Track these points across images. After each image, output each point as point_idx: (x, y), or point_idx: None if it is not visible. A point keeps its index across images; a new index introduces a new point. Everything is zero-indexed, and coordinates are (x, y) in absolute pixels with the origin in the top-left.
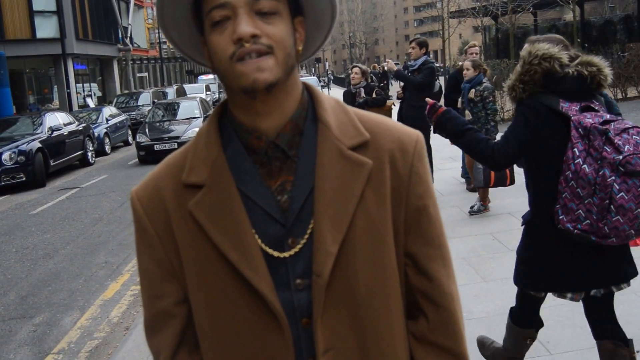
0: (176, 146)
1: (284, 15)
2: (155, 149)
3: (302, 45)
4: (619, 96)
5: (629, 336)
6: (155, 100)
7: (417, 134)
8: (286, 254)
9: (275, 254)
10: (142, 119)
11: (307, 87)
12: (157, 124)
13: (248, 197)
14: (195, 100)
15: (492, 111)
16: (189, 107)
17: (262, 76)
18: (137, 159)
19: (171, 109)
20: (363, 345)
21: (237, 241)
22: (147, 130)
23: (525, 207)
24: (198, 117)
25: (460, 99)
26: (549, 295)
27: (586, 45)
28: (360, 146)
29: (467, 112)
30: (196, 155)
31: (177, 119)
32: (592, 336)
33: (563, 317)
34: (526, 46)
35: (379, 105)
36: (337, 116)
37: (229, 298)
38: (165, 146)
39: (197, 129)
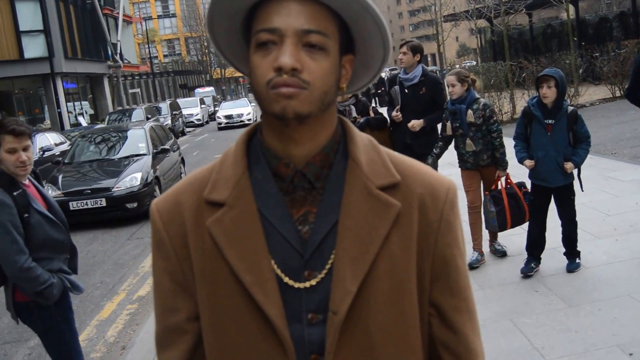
0: (104, 204)
1: (331, 53)
2: (71, 208)
3: (346, 82)
4: (617, 94)
5: (623, 339)
6: (149, 117)
7: (449, 182)
8: (301, 285)
9: (291, 282)
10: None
11: (341, 122)
12: (79, 168)
13: (269, 221)
14: (142, 128)
15: (498, 133)
16: (131, 140)
17: (293, 106)
18: None
19: (105, 142)
20: None
21: (253, 264)
22: (60, 178)
23: None
24: (144, 155)
25: (446, 124)
26: (543, 299)
27: (583, 43)
28: (390, 187)
29: (468, 141)
30: (221, 173)
31: (111, 157)
32: (585, 341)
33: (558, 322)
34: None
35: (382, 126)
36: (369, 154)
37: (238, 321)
38: (86, 204)
39: (138, 176)
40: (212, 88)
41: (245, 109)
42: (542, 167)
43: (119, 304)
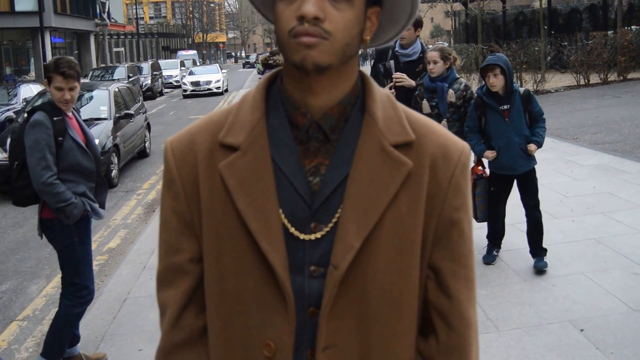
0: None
1: (355, 3)
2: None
3: (370, 35)
4: (582, 82)
5: (575, 315)
6: (131, 75)
7: (464, 144)
8: (306, 237)
9: (296, 233)
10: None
11: (362, 76)
12: None
13: (280, 169)
14: (107, 90)
15: None
16: (93, 102)
17: (313, 56)
18: None
19: None
20: (365, 349)
21: (261, 211)
22: (8, 141)
23: None
24: (104, 120)
25: (422, 102)
26: (500, 273)
27: (552, 32)
28: (403, 145)
29: (444, 122)
30: (237, 117)
31: None
32: (539, 315)
33: (513, 295)
34: None
35: None
36: (386, 110)
37: (242, 267)
38: None
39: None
40: (195, 52)
41: (214, 75)
42: (505, 156)
43: None
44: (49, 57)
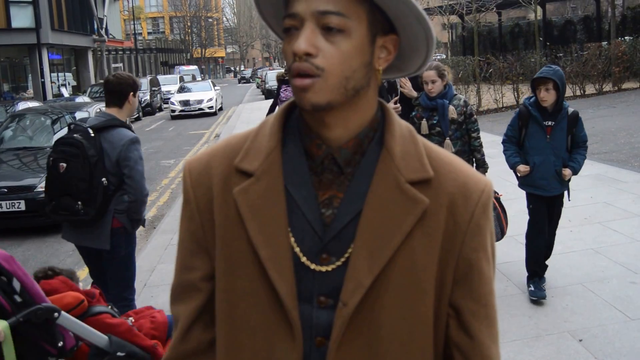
0: (23, 207)
1: (354, 34)
2: None
3: (385, 64)
4: (577, 93)
5: (574, 325)
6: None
7: (485, 182)
8: (317, 268)
9: (307, 263)
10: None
11: (383, 109)
12: (1, 157)
13: (294, 199)
14: (86, 112)
15: (478, 132)
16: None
17: (308, 98)
18: None
19: (40, 126)
20: None
21: (271, 239)
22: None
23: None
24: None
25: (421, 122)
26: (498, 285)
27: (548, 44)
28: (421, 182)
29: (448, 142)
30: (255, 142)
31: (43, 145)
32: (538, 326)
33: (512, 307)
34: None
35: None
36: (405, 146)
37: (251, 293)
38: (0, 206)
39: None
40: (195, 67)
41: (206, 93)
42: (538, 174)
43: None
44: (47, 74)
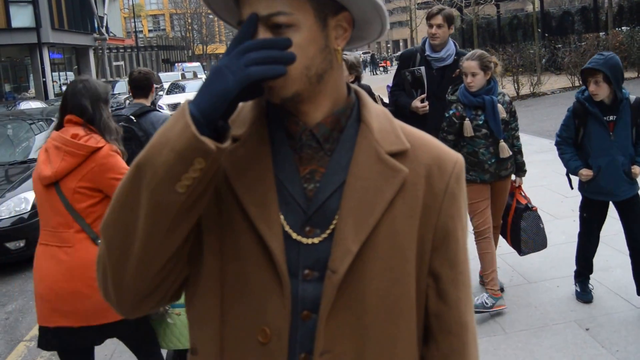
0: None
1: (303, 26)
2: None
3: (343, 43)
4: (577, 83)
5: (580, 315)
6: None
7: (457, 155)
8: (302, 240)
9: (290, 232)
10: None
11: (355, 91)
12: None
13: (277, 177)
14: (52, 120)
15: (518, 131)
16: (35, 136)
17: (275, 93)
18: None
19: None
20: (360, 355)
21: (259, 197)
22: None
23: None
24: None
25: (464, 123)
26: (504, 275)
27: (546, 35)
28: (399, 154)
29: (502, 144)
30: (240, 115)
31: None
32: (545, 316)
33: (519, 297)
34: None
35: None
36: (380, 122)
37: (240, 250)
38: None
39: (30, 197)
40: (198, 64)
41: None
42: (605, 178)
43: None
44: (48, 73)
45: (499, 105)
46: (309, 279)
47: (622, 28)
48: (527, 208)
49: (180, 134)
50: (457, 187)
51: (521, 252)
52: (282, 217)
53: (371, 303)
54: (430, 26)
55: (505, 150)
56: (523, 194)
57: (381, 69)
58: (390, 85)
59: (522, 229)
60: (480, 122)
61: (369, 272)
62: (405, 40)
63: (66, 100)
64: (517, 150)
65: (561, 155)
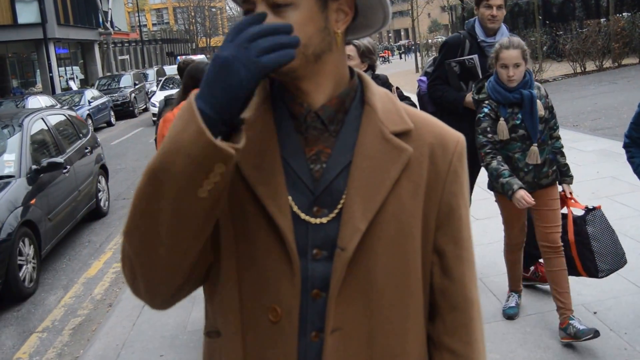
0: None
1: (302, 5)
2: None
3: (344, 26)
4: (578, 70)
5: (588, 298)
6: (137, 83)
7: (459, 135)
8: (310, 220)
9: (299, 212)
10: (124, 100)
11: (358, 75)
12: None
13: (283, 159)
14: (19, 127)
15: (557, 130)
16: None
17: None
18: (119, 139)
19: None
20: (371, 332)
21: (267, 178)
22: None
23: None
24: (10, 178)
25: (499, 124)
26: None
27: (547, 22)
28: (403, 134)
29: (534, 149)
30: None
31: None
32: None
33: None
34: None
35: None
36: (384, 103)
37: (251, 230)
38: None
39: None
40: (203, 56)
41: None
42: None
43: (106, 263)
44: (55, 69)
45: (538, 102)
46: (318, 258)
47: (624, 14)
48: (588, 210)
49: (195, 140)
50: (460, 165)
51: (599, 272)
52: (290, 197)
53: (380, 280)
54: (489, 7)
55: (531, 156)
56: (573, 200)
57: (381, 59)
58: (425, 78)
59: (590, 236)
60: (518, 122)
61: (377, 250)
62: (406, 30)
63: (190, 76)
64: (556, 151)
65: (630, 159)
